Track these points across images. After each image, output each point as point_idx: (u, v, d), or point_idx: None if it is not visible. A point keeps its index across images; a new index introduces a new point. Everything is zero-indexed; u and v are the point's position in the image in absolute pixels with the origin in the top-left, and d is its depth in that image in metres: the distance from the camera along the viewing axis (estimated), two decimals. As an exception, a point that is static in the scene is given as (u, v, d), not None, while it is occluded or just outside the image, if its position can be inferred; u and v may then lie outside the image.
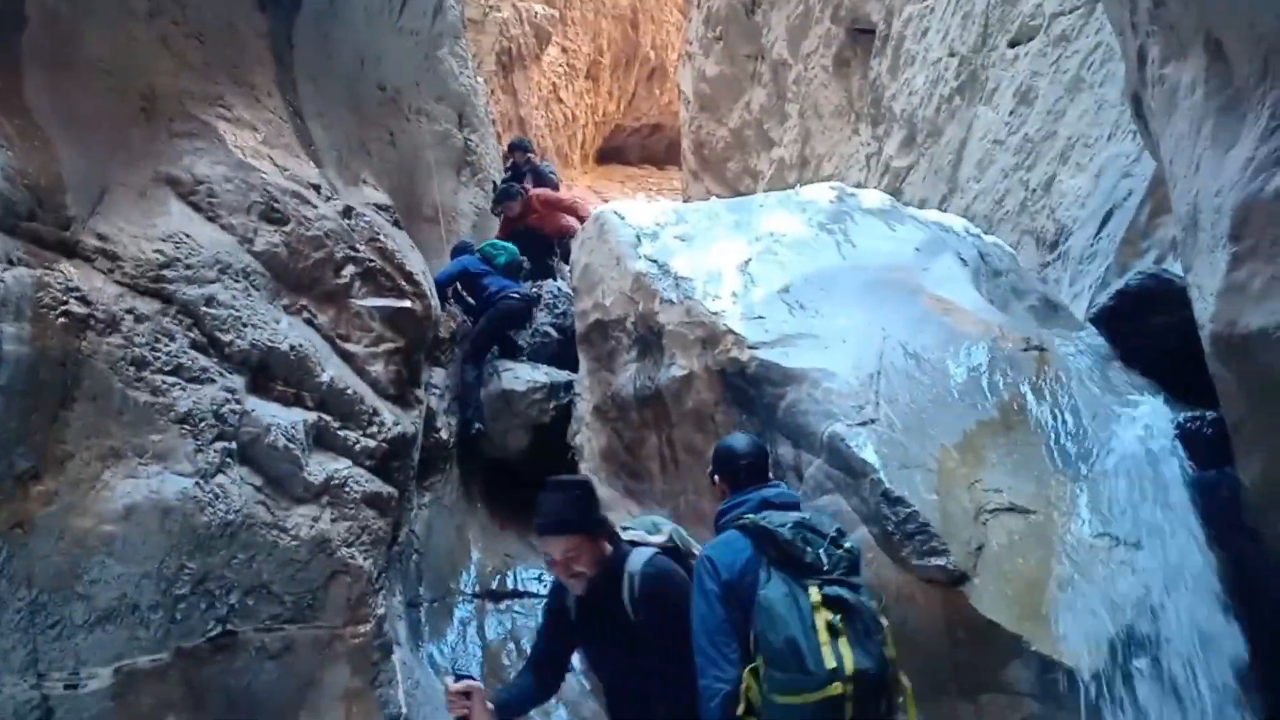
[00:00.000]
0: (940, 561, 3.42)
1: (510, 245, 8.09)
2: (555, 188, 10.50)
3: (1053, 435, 4.09)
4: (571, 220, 9.01)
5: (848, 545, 2.86)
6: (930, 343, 4.49)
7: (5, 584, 3.28)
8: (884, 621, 2.75)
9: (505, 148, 11.30)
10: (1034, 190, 7.00)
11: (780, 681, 2.65)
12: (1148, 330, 4.32)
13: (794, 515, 2.93)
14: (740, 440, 3.38)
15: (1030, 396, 4.27)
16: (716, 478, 3.35)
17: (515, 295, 7.56)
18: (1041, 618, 3.42)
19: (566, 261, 8.29)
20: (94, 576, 3.48)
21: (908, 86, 9.21)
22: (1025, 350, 4.48)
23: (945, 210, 7.33)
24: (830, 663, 2.58)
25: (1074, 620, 3.43)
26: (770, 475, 3.29)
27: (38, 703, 3.38)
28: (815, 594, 2.69)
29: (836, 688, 2.57)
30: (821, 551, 2.79)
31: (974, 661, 3.43)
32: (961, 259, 5.39)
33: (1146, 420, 4.03)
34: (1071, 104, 6.75)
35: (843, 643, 2.62)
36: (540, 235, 9.20)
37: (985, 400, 4.24)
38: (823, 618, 2.64)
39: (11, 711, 3.31)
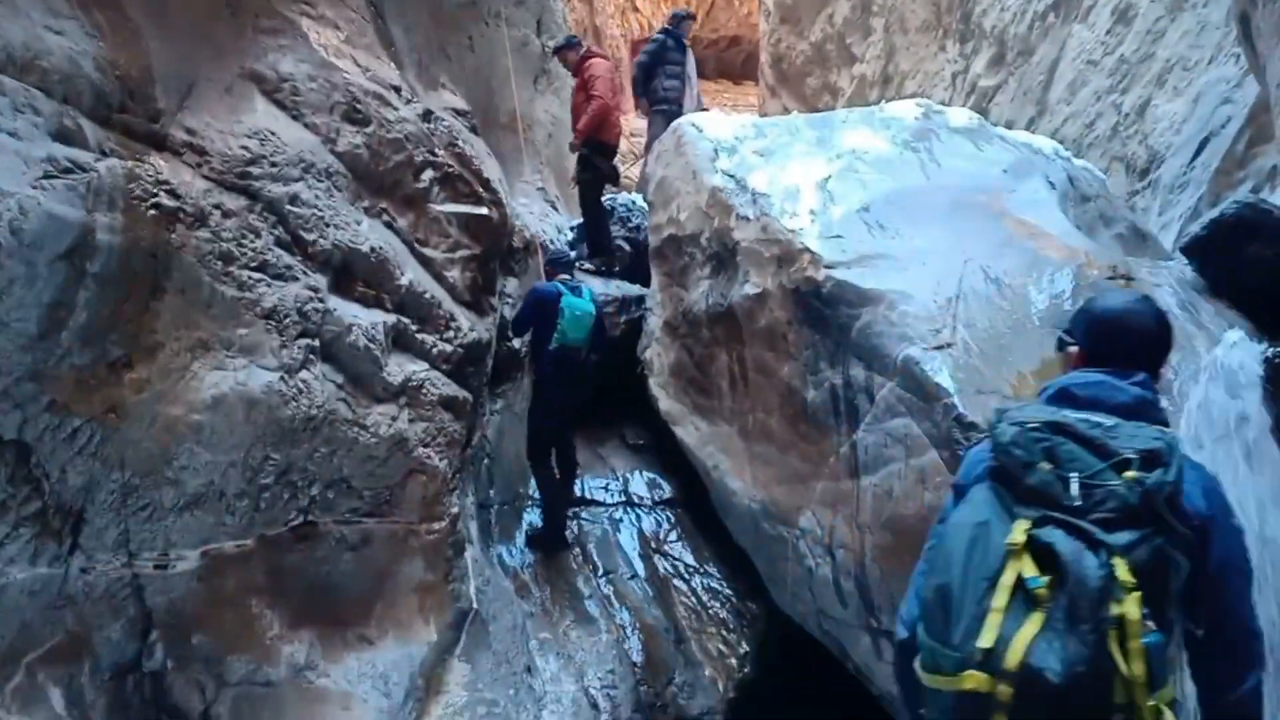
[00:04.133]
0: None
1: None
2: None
3: (1134, 366, 3.99)
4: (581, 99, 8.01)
5: (1145, 477, 1.78)
6: (1013, 267, 4.40)
7: (99, 466, 3.40)
8: (1124, 609, 1.67)
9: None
10: (1127, 114, 6.73)
11: (923, 648, 1.88)
12: (1240, 262, 4.17)
13: (1080, 416, 1.92)
14: (1117, 300, 2.23)
15: (1114, 326, 4.16)
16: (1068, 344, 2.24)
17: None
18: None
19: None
20: (183, 463, 3.60)
21: (999, 2, 8.86)
22: (1110, 278, 4.36)
23: (1033, 133, 7.09)
24: (985, 641, 1.71)
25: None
26: (1151, 361, 2.14)
27: (128, 580, 3.54)
28: (1019, 532, 1.79)
29: (977, 680, 1.71)
30: (1073, 476, 1.81)
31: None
32: (1050, 182, 5.24)
33: (1233, 352, 3.92)
34: (1172, 24, 6.44)
35: (1032, 620, 1.70)
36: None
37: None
38: (1014, 571, 1.75)
39: (104, 589, 3.46)
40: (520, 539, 5.86)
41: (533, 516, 6.05)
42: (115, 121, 3.48)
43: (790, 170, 5.39)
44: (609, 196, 8.49)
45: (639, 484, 6.50)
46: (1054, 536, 1.75)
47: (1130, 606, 1.67)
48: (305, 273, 4.06)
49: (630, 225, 8.39)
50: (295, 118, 4.25)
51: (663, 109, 9.39)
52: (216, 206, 3.75)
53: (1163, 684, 1.67)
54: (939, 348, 4.00)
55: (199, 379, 3.63)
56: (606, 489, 6.36)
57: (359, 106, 4.52)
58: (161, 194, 3.52)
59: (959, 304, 4.22)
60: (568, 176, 8.76)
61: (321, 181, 4.23)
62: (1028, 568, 1.75)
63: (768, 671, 5.38)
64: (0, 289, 2.93)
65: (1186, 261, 4.49)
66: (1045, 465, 1.84)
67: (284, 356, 3.89)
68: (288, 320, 3.92)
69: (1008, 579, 1.75)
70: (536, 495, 6.11)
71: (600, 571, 5.74)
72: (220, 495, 3.73)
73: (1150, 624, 1.68)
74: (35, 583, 3.22)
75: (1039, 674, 1.65)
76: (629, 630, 5.37)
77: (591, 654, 5.08)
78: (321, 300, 4.09)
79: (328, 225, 4.19)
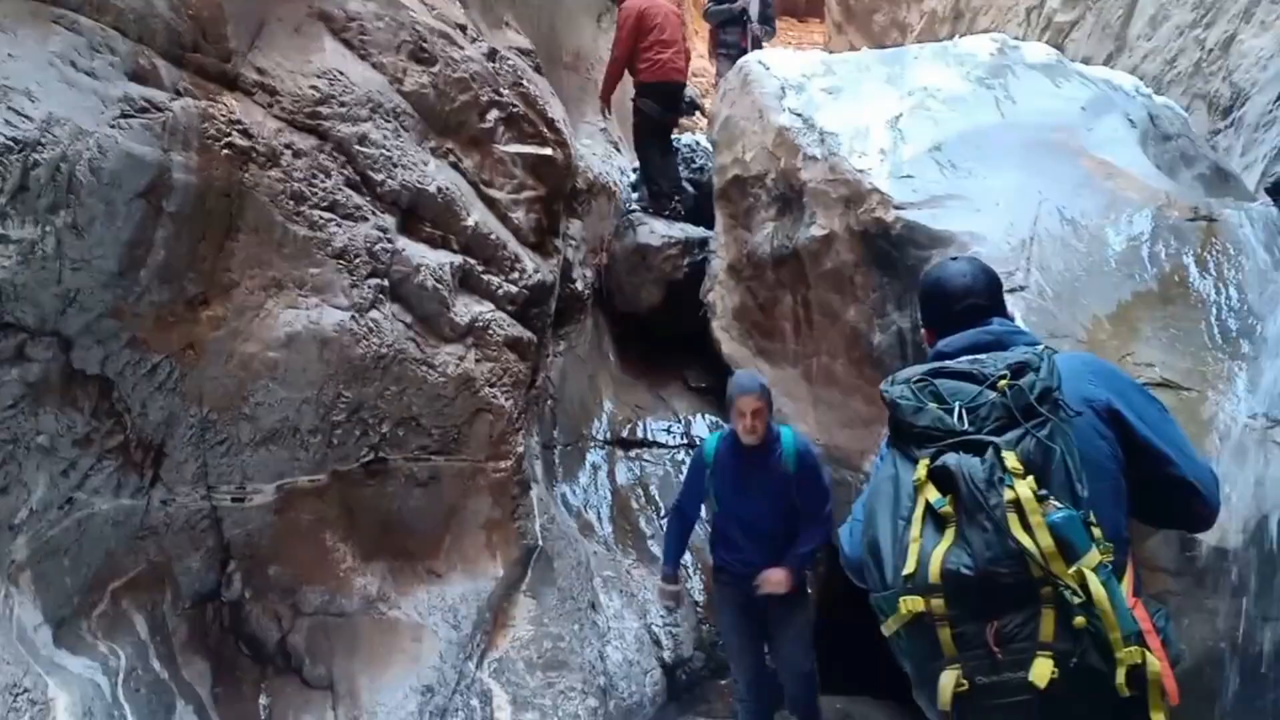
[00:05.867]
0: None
1: None
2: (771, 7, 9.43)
3: (1214, 310, 3.90)
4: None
5: (1016, 381, 1.87)
6: (1089, 208, 4.28)
7: (179, 401, 3.49)
8: (1016, 492, 1.73)
9: None
10: (1210, 50, 6.45)
11: (874, 606, 1.92)
12: (1325, 202, 4.02)
13: (958, 361, 2.04)
14: (950, 270, 2.34)
15: (1193, 269, 4.05)
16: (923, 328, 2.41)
17: None
18: (1187, 494, 3.32)
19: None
20: (259, 399, 3.68)
21: (1079, -67, 8.50)
22: (1192, 220, 4.23)
23: (1112, 70, 6.84)
24: (909, 567, 1.80)
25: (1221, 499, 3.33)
26: (991, 302, 2.26)
27: (207, 512, 3.65)
28: (921, 469, 1.86)
29: (911, 603, 1.78)
30: (956, 404, 1.90)
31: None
32: (1130, 120, 5.05)
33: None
34: (1260, -45, 6.14)
35: (945, 536, 1.79)
36: None
37: (1144, 271, 4.05)
38: (922, 502, 1.84)
39: (184, 520, 3.57)
40: (584, 477, 5.91)
41: (595, 457, 6.09)
42: (189, 61, 3.51)
43: (859, 108, 5.27)
44: (675, 137, 8.36)
45: (701, 427, 6.51)
46: (947, 459, 1.84)
47: (1022, 489, 1.73)
48: (374, 213, 4.09)
49: (694, 166, 8.29)
50: (363, 57, 4.26)
51: (726, 53, 9.21)
52: (288, 146, 3.78)
53: (1082, 553, 1.71)
54: (1011, 290, 3.90)
55: (273, 317, 3.70)
56: (669, 431, 6.38)
57: (425, 45, 4.51)
58: (235, 134, 3.55)
59: (1033, 246, 4.12)
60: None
61: (389, 122, 4.24)
62: (932, 494, 1.83)
63: (827, 612, 5.39)
64: (81, 227, 2.99)
65: (1271, 201, 4.33)
66: (932, 405, 1.94)
67: (354, 296, 3.94)
68: (358, 260, 3.97)
69: (918, 511, 1.84)
70: (600, 438, 6.14)
71: (663, 512, 5.78)
72: (294, 431, 3.82)
73: (1054, 503, 1.74)
74: (119, 513, 3.34)
75: (956, 574, 1.74)
76: (690, 570, 5.42)
77: (654, 592, 5.14)
78: (390, 240, 4.12)
79: (395, 165, 4.21)
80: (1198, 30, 6.63)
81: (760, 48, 7.70)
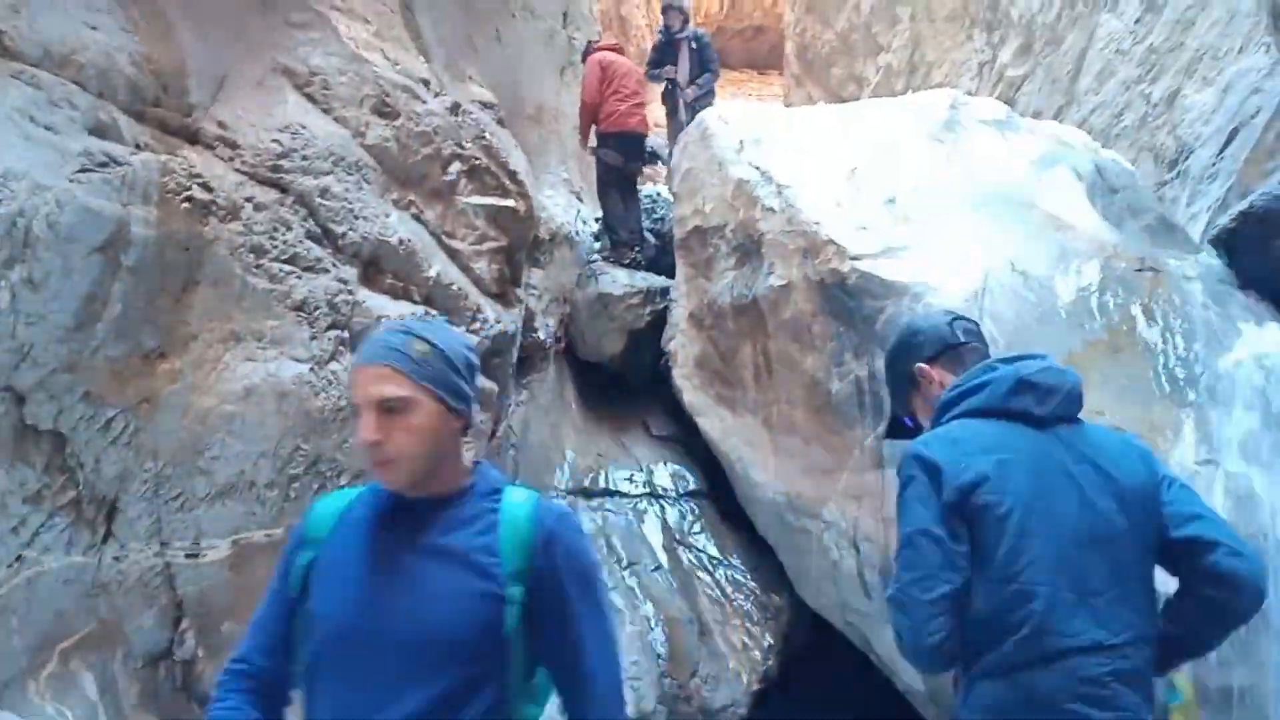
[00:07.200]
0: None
1: None
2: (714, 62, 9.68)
3: (1162, 359, 3.99)
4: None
5: None
6: (1040, 259, 4.39)
7: (133, 456, 3.43)
8: None
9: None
10: (1155, 105, 6.68)
11: None
12: (1270, 254, 4.15)
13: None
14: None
15: (1141, 318, 4.16)
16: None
17: None
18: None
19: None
20: (215, 453, 3.64)
21: (1028, -10, 8.79)
22: (1139, 270, 4.35)
23: (1060, 124, 7.05)
24: None
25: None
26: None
27: (160, 569, 3.57)
28: None
29: None
30: None
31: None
32: (1078, 174, 5.20)
33: (1263, 347, 3.91)
34: (1202, 13, 6.39)
35: None
36: None
37: (1093, 321, 4.15)
38: None
39: (136, 577, 3.49)
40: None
41: (560, 508, 6.05)
42: (149, 115, 3.52)
43: (816, 161, 5.38)
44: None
45: (663, 475, 6.51)
46: None
47: None
48: (335, 265, 4.10)
49: (655, 217, 8.40)
50: (326, 111, 4.28)
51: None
52: (248, 199, 3.78)
53: None
54: (965, 341, 3.98)
55: (231, 370, 3.67)
56: (631, 480, 6.37)
57: (388, 99, 4.55)
58: (195, 187, 3.55)
59: (985, 296, 4.21)
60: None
61: (351, 174, 4.27)
62: None
63: (792, 664, 5.39)
64: (37, 281, 2.97)
65: (1215, 253, 4.45)
66: None
67: (314, 348, 3.93)
68: (318, 312, 3.96)
69: None
70: (563, 487, 6.12)
71: (624, 563, 5.75)
72: (251, 485, 3.77)
73: None
74: (69, 571, 3.26)
75: None
76: (653, 622, 5.39)
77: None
78: (351, 292, 4.13)
79: (357, 218, 4.22)
80: (1143, 85, 6.86)
81: (695, 111, 7.89)
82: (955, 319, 2.49)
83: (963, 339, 2.41)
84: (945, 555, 1.96)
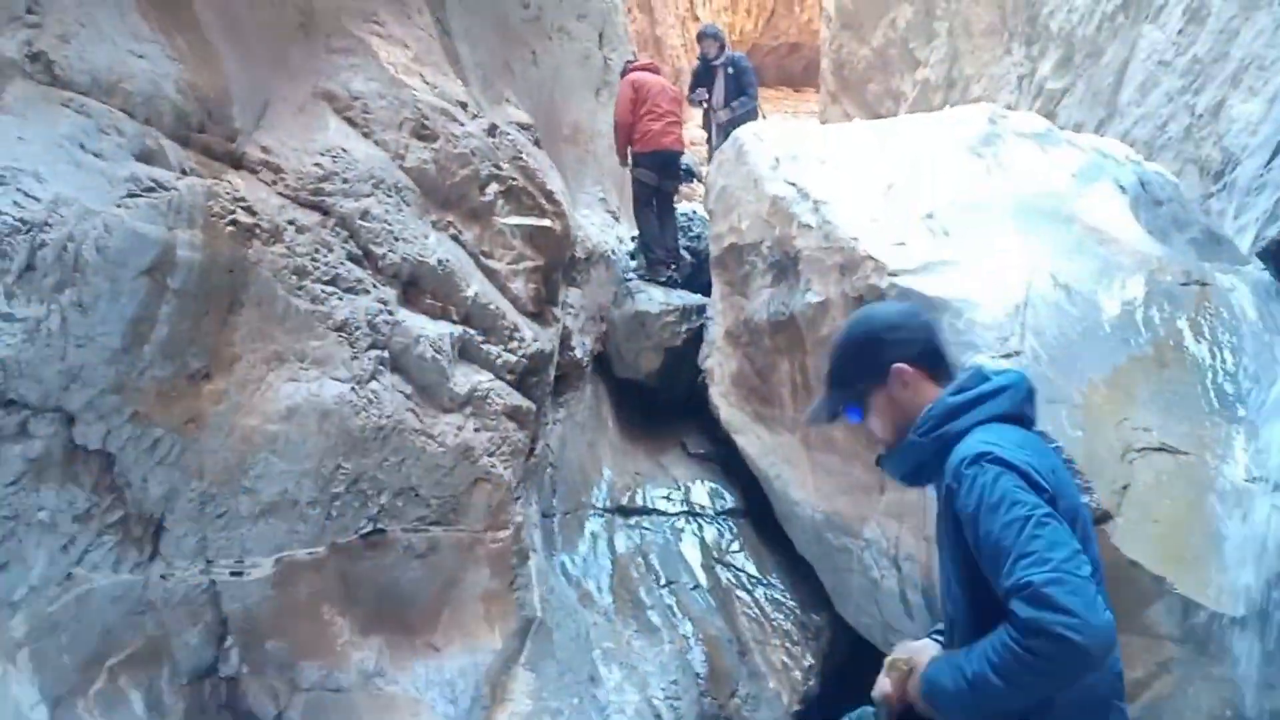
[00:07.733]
0: (1083, 499, 3.34)
1: None
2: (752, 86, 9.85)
3: (1210, 374, 3.93)
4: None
5: None
6: (1083, 274, 4.32)
7: (179, 475, 3.50)
8: None
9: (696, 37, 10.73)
10: (1200, 116, 6.58)
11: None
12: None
13: None
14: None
15: (1187, 333, 4.10)
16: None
17: None
18: (1187, 560, 3.32)
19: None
20: (259, 472, 3.70)
21: (1067, 3, 8.71)
22: (1184, 284, 4.28)
23: (1102, 136, 6.97)
24: None
25: (1221, 564, 3.33)
26: None
27: (206, 587, 3.63)
28: None
29: None
30: None
31: (1113, 603, 3.37)
32: (1120, 186, 5.13)
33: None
34: (1246, 23, 6.29)
35: None
36: None
37: (1139, 335, 4.09)
38: None
39: (182, 595, 3.55)
40: (583, 546, 5.89)
41: (595, 526, 6.07)
42: (194, 141, 3.61)
43: (853, 177, 5.35)
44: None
45: (701, 493, 6.49)
46: None
47: None
48: (375, 285, 4.15)
49: (691, 235, 8.43)
50: (366, 135, 4.36)
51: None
52: (291, 222, 3.85)
53: None
54: (1007, 356, 3.93)
55: (274, 390, 3.73)
56: (668, 498, 6.36)
57: (427, 123, 4.62)
58: (239, 211, 3.63)
59: (1027, 311, 4.15)
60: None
61: (391, 196, 4.33)
62: None
63: (832, 684, 5.33)
64: (86, 305, 3.05)
65: (1263, 266, 4.38)
66: None
67: (355, 368, 3.98)
68: (358, 332, 4.01)
69: None
70: (600, 505, 6.13)
71: (663, 581, 5.74)
72: (294, 504, 3.82)
73: None
74: (117, 589, 3.32)
75: None
76: (692, 641, 5.36)
77: (655, 664, 5.08)
78: (391, 312, 4.18)
79: (397, 239, 4.28)
80: (1187, 96, 6.77)
81: (728, 132, 7.94)
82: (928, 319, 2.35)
83: (939, 345, 2.26)
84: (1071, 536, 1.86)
